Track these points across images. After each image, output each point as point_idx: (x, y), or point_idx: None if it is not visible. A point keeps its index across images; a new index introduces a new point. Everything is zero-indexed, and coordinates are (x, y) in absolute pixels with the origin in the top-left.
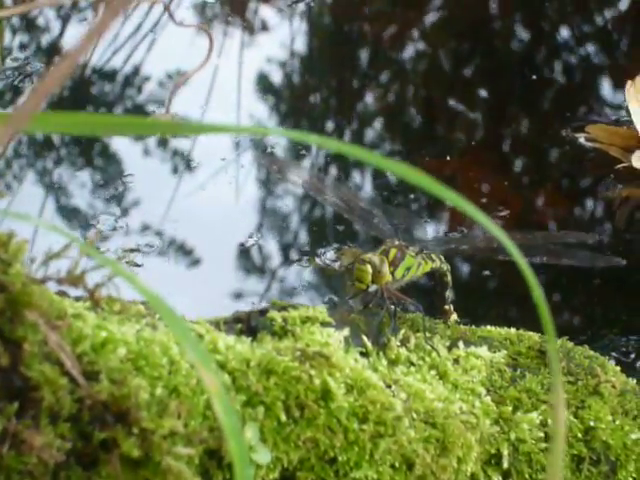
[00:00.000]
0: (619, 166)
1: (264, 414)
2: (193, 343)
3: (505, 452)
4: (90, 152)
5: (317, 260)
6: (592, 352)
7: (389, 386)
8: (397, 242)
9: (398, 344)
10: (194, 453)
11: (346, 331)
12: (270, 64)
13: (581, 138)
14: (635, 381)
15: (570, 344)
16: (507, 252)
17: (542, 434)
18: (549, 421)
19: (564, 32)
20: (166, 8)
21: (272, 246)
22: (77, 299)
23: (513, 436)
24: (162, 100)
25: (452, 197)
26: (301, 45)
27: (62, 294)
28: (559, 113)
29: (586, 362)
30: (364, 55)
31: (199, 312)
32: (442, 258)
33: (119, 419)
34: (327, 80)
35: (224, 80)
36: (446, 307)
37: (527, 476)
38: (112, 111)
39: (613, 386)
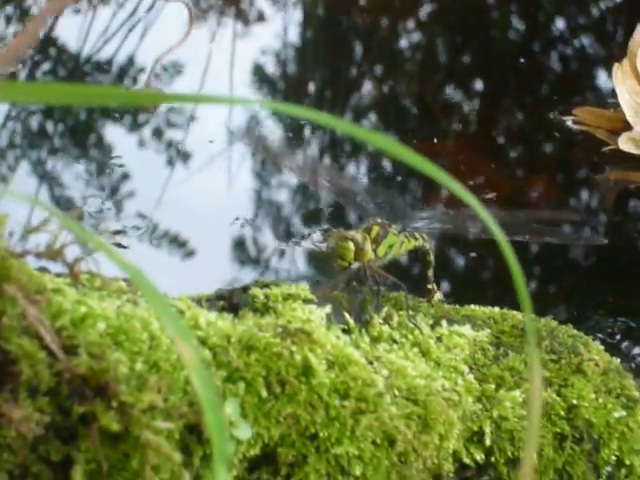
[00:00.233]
0: (606, 149)
1: (245, 390)
2: (172, 317)
3: (487, 430)
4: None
5: (305, 242)
6: (576, 331)
7: (371, 363)
8: (380, 220)
9: (381, 322)
10: (174, 428)
11: (328, 308)
12: (265, 55)
13: (568, 121)
14: (619, 361)
15: (554, 323)
16: (489, 231)
17: (525, 412)
18: (541, 400)
19: (560, 23)
20: None
21: (260, 229)
22: (58, 275)
23: (495, 414)
24: (156, 88)
25: (436, 173)
26: (295, 36)
27: (43, 270)
28: (551, 101)
29: (569, 341)
30: (359, 46)
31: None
32: (425, 236)
33: (98, 393)
34: (321, 71)
35: (219, 71)
36: (429, 286)
37: (509, 453)
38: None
39: (596, 365)
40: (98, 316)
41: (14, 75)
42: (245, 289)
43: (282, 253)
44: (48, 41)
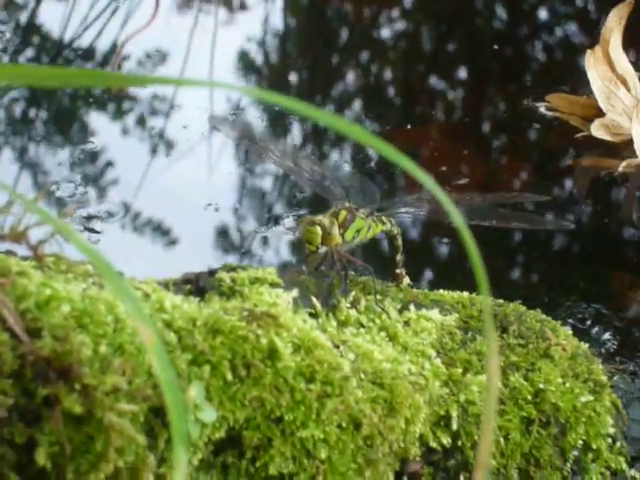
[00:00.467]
0: (579, 135)
1: (210, 373)
2: (130, 297)
3: (454, 414)
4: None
5: (277, 228)
6: (544, 316)
7: (337, 346)
8: (347, 204)
9: (348, 306)
10: (138, 410)
11: (295, 292)
12: (248, 42)
13: (541, 107)
14: (588, 346)
15: (522, 308)
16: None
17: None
18: (499, 383)
19: (543, 12)
20: None
21: (235, 214)
22: (24, 258)
23: (462, 398)
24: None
25: (400, 159)
26: (279, 23)
27: (9, 253)
28: (531, 89)
29: (537, 325)
30: (342, 33)
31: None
32: (393, 221)
33: (61, 375)
34: (305, 58)
35: (202, 58)
36: (398, 270)
37: (476, 437)
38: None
39: (564, 349)
40: (63, 299)
41: None
42: (212, 273)
43: (256, 237)
44: (30, 28)
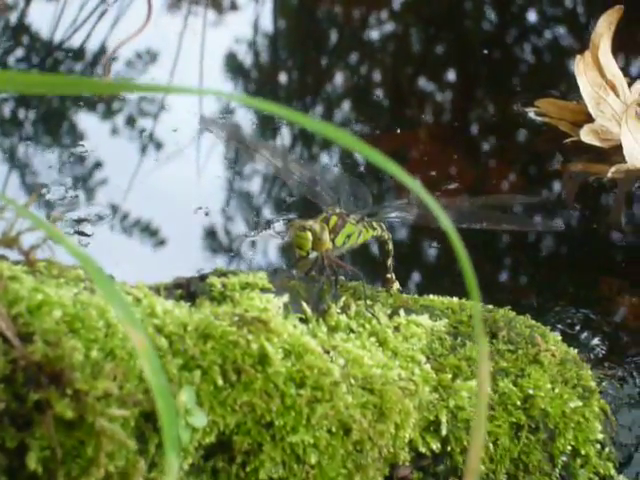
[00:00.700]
0: (568, 140)
1: (201, 378)
2: (121, 303)
3: (444, 419)
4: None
5: (267, 232)
6: (534, 321)
7: (327, 352)
8: (338, 210)
9: (338, 311)
10: (129, 415)
11: (286, 297)
12: (238, 44)
13: (531, 112)
14: (577, 351)
15: (512, 313)
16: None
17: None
18: (489, 389)
19: (532, 14)
20: None
21: (225, 218)
22: (16, 262)
23: (452, 403)
24: (130, 79)
25: (388, 165)
26: (269, 25)
27: (0, 257)
28: (520, 93)
29: (527, 331)
30: (332, 35)
31: (147, 280)
32: (383, 226)
33: (53, 380)
34: (294, 60)
35: (191, 59)
36: (388, 276)
37: (465, 443)
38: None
39: (553, 355)
40: (54, 304)
41: None
42: (203, 278)
43: (245, 241)
44: (20, 28)
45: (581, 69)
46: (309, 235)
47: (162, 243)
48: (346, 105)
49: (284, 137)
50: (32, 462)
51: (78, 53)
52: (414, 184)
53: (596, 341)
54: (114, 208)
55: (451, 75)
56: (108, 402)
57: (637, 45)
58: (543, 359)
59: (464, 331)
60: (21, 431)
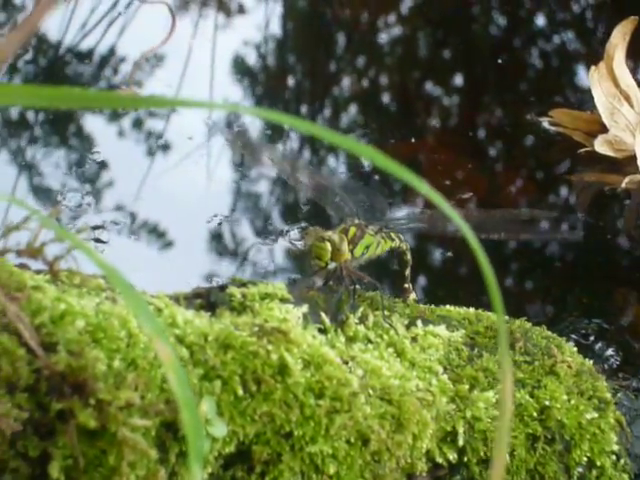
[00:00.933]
0: (582, 150)
1: (221, 388)
2: (149, 315)
3: (461, 430)
4: (64, 131)
5: (282, 240)
6: (550, 333)
7: (346, 362)
8: (357, 221)
9: (356, 322)
10: (150, 425)
11: (305, 308)
12: (246, 47)
13: (545, 122)
14: (592, 362)
15: (528, 324)
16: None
17: (498, 412)
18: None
19: (540, 19)
20: None
21: (238, 225)
22: (38, 272)
23: (469, 414)
24: (138, 81)
25: (408, 176)
26: (277, 28)
27: (23, 267)
28: (530, 99)
29: (543, 342)
30: (339, 39)
31: (164, 288)
32: (401, 237)
33: (76, 390)
34: (302, 64)
35: (200, 62)
36: (405, 285)
37: (482, 454)
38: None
39: (569, 366)
40: (77, 313)
41: None
42: (223, 288)
43: (260, 249)
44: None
45: (595, 80)
46: (328, 246)
47: (173, 248)
48: (354, 109)
49: (296, 140)
50: (55, 471)
51: (87, 55)
52: (436, 197)
53: (610, 351)
54: (129, 215)
55: (467, 82)
56: (130, 412)
57: None
58: (559, 370)
59: (481, 342)
60: (44, 440)
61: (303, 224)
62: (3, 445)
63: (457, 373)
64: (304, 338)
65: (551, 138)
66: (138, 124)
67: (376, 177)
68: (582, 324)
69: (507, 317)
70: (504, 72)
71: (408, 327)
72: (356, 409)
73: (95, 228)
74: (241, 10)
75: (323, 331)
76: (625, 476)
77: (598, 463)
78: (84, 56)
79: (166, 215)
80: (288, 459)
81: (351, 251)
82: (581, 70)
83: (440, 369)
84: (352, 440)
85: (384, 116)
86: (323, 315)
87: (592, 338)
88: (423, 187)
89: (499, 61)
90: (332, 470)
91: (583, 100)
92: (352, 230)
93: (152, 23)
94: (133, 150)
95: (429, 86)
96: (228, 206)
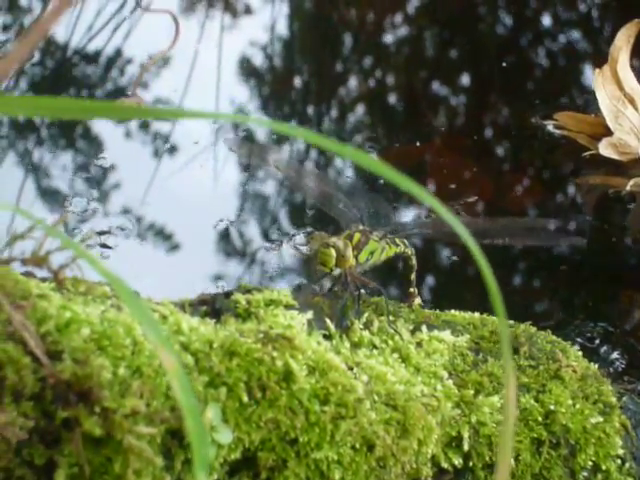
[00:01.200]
0: (586, 154)
1: (226, 395)
2: (152, 324)
3: (466, 435)
4: (70, 135)
5: (287, 245)
6: (554, 337)
7: (351, 368)
8: (361, 227)
9: (361, 327)
10: (156, 432)
11: (309, 314)
12: (252, 47)
13: (549, 125)
14: (597, 366)
15: (533, 329)
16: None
17: (503, 417)
18: (516, 407)
19: (547, 19)
20: None
21: (244, 230)
22: (43, 280)
23: (474, 419)
24: (144, 83)
25: (409, 185)
26: (283, 29)
27: (28, 275)
28: (537, 101)
29: (548, 347)
30: (346, 39)
31: (170, 294)
32: (406, 242)
33: (81, 398)
34: (309, 64)
35: (206, 62)
36: (411, 290)
37: (487, 458)
38: (93, 94)
39: (574, 371)
40: (82, 321)
41: None
42: (228, 294)
43: (265, 253)
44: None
45: (600, 82)
46: (333, 252)
47: (184, 254)
48: (360, 109)
49: (302, 141)
50: (60, 479)
51: (94, 58)
52: (437, 204)
53: (615, 355)
54: (134, 219)
55: (473, 83)
56: (136, 420)
57: None
58: (564, 375)
59: (486, 347)
60: (50, 448)
61: (309, 229)
62: (9, 453)
63: (462, 378)
64: (309, 344)
65: (556, 141)
66: (144, 127)
67: (382, 179)
68: (588, 327)
69: (512, 321)
70: (510, 73)
71: (413, 332)
72: (361, 415)
73: (101, 233)
74: (248, 11)
75: (328, 337)
76: None
77: (603, 467)
78: (90, 59)
79: (173, 218)
80: (293, 465)
81: (355, 257)
82: (587, 70)
83: (445, 374)
84: (357, 446)
85: (390, 117)
86: (328, 321)
87: (598, 341)
88: (423, 195)
89: (503, 64)
90: (337, 476)
91: (589, 101)
92: (356, 236)
93: (158, 25)
94: (139, 153)
95: (436, 86)
96: (234, 209)
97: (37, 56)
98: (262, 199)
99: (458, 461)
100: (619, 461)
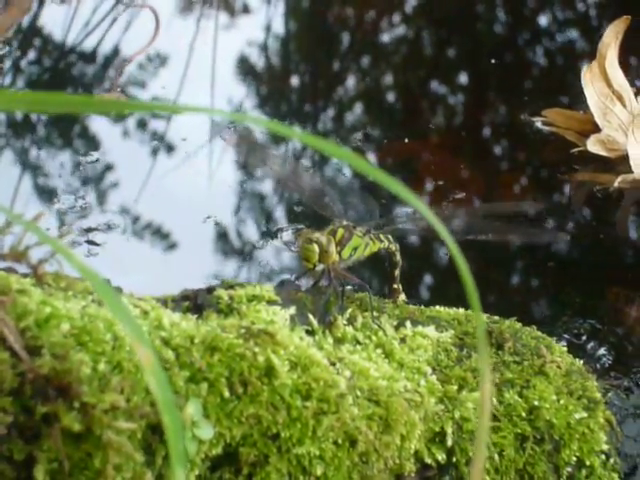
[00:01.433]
0: (575, 150)
1: (207, 390)
2: (128, 318)
3: (449, 430)
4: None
5: (275, 241)
6: (539, 333)
7: (333, 364)
8: (345, 222)
9: (345, 323)
10: (136, 428)
11: (292, 309)
12: (249, 46)
13: (538, 122)
14: (583, 362)
15: (518, 325)
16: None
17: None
18: (493, 400)
19: (544, 18)
20: None
21: (230, 225)
22: (24, 275)
23: (457, 415)
24: (140, 81)
25: (389, 182)
26: (280, 28)
27: (9, 270)
28: (529, 100)
29: (533, 342)
30: (343, 39)
31: (160, 291)
32: (390, 238)
33: (61, 393)
34: (306, 63)
35: (203, 61)
36: (395, 286)
37: (470, 454)
38: (90, 92)
39: (558, 366)
40: (62, 317)
41: None
42: (210, 290)
43: (254, 250)
44: (32, 30)
45: (588, 79)
46: (316, 248)
47: (172, 251)
48: (358, 108)
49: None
50: (40, 474)
51: (89, 56)
52: (417, 202)
53: (602, 351)
54: (124, 216)
55: (468, 82)
56: (115, 415)
57: None
58: (548, 370)
59: (470, 342)
60: (29, 443)
61: (299, 225)
62: None
63: (446, 374)
64: (291, 340)
65: (544, 138)
66: (141, 125)
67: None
68: (575, 324)
69: (497, 317)
70: (505, 71)
71: (397, 328)
72: (343, 410)
73: (89, 230)
74: (245, 10)
75: (311, 333)
76: (615, 475)
77: (587, 462)
78: (85, 56)
79: (163, 217)
80: (275, 461)
81: (339, 253)
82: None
83: (429, 370)
84: (339, 441)
85: (387, 116)
86: (311, 317)
87: (584, 338)
88: (404, 192)
89: (499, 58)
90: (319, 471)
91: (582, 104)
92: (340, 232)
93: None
94: (132, 152)
95: (434, 85)
96: (224, 207)
97: (33, 54)
98: (256, 194)
99: (441, 457)
100: (603, 456)
